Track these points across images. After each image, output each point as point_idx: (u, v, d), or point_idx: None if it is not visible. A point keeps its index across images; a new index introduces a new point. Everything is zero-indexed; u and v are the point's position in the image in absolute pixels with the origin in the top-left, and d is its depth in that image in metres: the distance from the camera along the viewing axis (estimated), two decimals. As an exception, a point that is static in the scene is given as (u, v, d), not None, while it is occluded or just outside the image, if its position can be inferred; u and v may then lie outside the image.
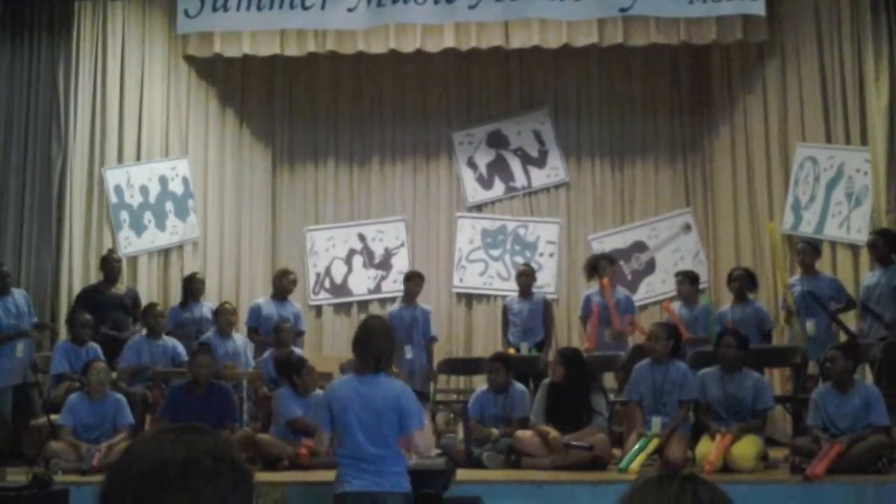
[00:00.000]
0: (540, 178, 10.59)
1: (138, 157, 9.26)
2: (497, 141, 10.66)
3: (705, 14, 8.28)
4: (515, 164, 10.62)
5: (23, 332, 7.50)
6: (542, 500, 5.43)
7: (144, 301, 8.31)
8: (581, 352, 6.97)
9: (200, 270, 9.06)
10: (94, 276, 8.48)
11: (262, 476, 5.29)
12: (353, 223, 10.61)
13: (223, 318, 7.86)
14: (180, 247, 9.52)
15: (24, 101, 8.61)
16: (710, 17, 8.56)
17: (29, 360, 7.52)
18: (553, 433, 6.19)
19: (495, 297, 10.21)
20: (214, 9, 8.05)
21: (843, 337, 7.28)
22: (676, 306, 8.27)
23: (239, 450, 1.42)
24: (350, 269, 10.52)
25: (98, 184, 8.89)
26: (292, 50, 9.44)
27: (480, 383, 7.36)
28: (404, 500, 4.27)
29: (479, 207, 10.61)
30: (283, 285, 8.50)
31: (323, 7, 7.94)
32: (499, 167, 10.61)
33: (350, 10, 7.93)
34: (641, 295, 10.07)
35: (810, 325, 7.51)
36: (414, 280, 8.68)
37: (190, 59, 9.72)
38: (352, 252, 10.54)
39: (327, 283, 10.51)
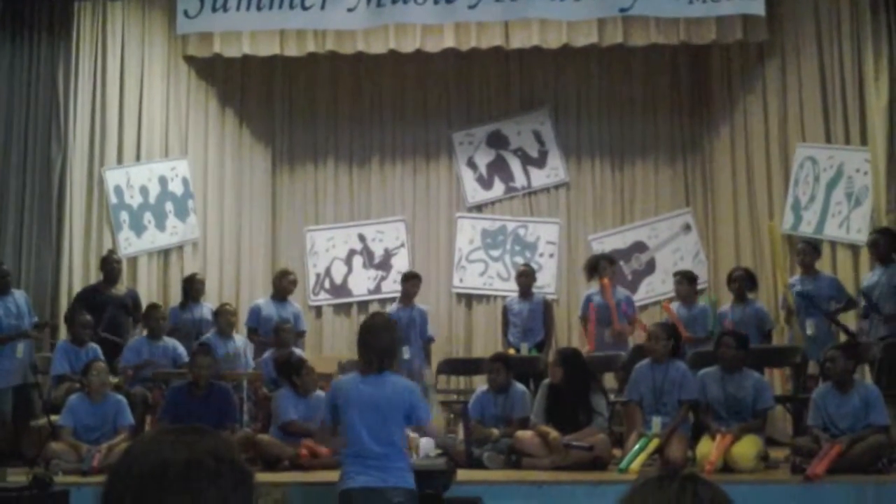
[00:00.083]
0: (540, 178, 10.58)
1: (138, 158, 9.26)
2: (497, 141, 10.65)
3: (705, 14, 8.29)
4: (515, 165, 10.61)
5: (23, 333, 7.49)
6: (542, 500, 5.43)
7: (144, 302, 8.31)
8: (580, 352, 6.96)
9: (200, 271, 9.08)
10: (94, 277, 8.48)
11: (262, 477, 5.28)
12: (353, 223, 10.61)
13: (223, 318, 7.86)
14: (180, 247, 9.52)
15: (24, 101, 8.61)
16: (709, 17, 8.56)
17: (29, 360, 7.52)
18: (553, 433, 6.19)
19: (495, 297, 10.21)
20: (214, 9, 8.05)
21: (843, 337, 7.29)
22: (675, 306, 8.27)
23: (239, 450, 1.42)
24: (350, 270, 10.51)
25: (98, 184, 8.89)
26: (292, 50, 9.43)
27: (480, 384, 7.36)
28: (409, 496, 4.29)
29: (479, 208, 10.60)
30: (283, 286, 8.50)
31: (322, 7, 7.94)
32: (499, 167, 10.61)
33: (350, 10, 7.93)
34: (641, 295, 10.07)
35: (810, 325, 7.52)
36: (411, 281, 8.68)
37: (190, 60, 9.72)
38: (352, 252, 10.53)
39: (327, 284, 10.51)
